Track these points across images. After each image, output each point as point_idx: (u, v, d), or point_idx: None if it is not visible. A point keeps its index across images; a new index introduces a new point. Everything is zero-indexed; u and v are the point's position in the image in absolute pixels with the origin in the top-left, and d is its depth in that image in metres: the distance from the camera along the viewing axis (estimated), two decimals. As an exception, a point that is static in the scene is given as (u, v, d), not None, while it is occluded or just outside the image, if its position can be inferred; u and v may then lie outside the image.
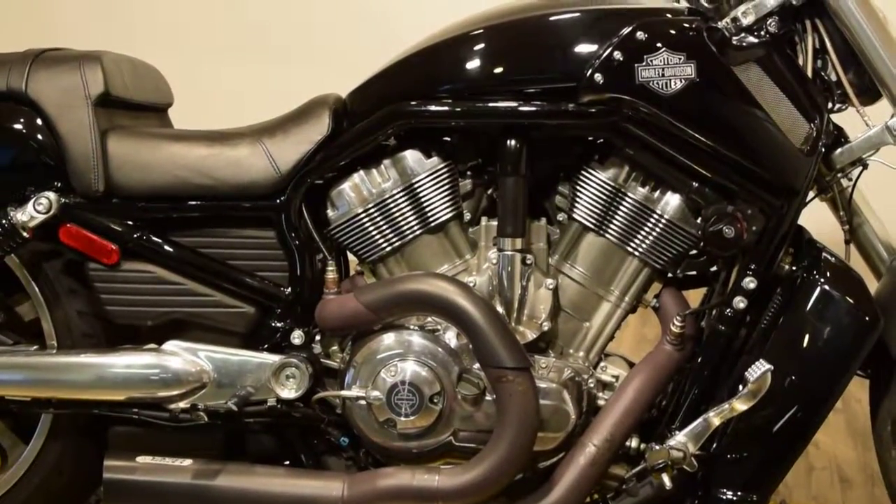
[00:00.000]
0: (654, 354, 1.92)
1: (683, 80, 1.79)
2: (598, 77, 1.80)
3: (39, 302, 2.01)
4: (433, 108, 1.87)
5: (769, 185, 1.83)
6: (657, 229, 1.91)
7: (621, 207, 1.91)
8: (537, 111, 1.83)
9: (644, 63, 1.79)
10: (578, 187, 1.93)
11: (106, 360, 1.93)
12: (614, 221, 1.92)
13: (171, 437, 1.96)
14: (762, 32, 1.84)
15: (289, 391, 1.91)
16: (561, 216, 1.98)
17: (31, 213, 1.90)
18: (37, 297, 2.02)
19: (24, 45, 2.08)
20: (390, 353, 1.88)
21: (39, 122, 1.95)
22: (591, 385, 1.94)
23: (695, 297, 2.06)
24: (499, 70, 1.86)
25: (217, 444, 1.98)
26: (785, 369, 1.80)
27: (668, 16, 1.83)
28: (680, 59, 1.79)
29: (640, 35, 1.80)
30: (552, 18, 1.86)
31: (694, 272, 1.99)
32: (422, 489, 1.79)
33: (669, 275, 1.98)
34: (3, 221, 1.89)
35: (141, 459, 1.88)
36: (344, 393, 1.89)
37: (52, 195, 1.92)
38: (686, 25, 1.81)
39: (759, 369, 1.71)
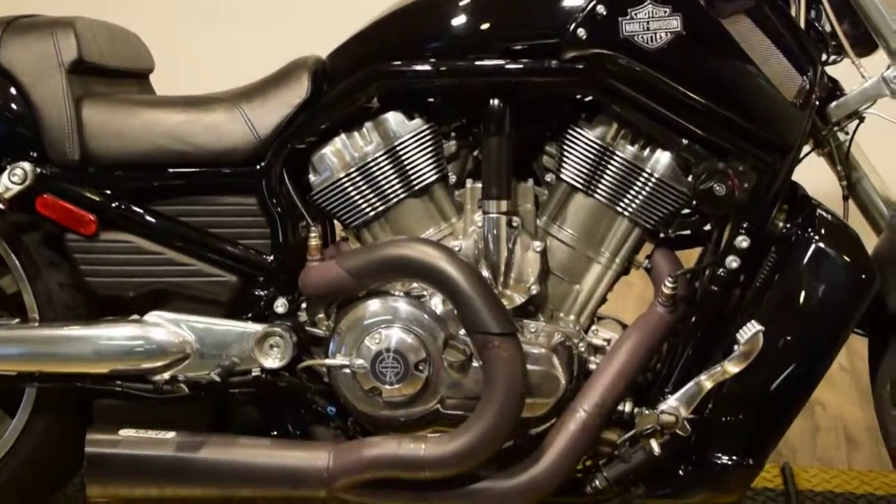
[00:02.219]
0: (646, 317, 1.88)
1: (669, 34, 1.74)
2: (580, 32, 1.75)
3: (20, 275, 1.99)
4: (413, 68, 1.83)
5: (761, 140, 1.79)
6: (647, 188, 1.87)
7: (610, 166, 1.87)
8: (520, 69, 1.79)
9: (628, 16, 1.74)
10: (566, 147, 1.89)
11: (87, 333, 1.91)
12: (603, 181, 1.88)
13: (156, 410, 1.94)
14: None
15: (273, 360, 1.89)
16: (549, 177, 1.94)
17: (5, 183, 1.88)
18: (17, 270, 1.99)
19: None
20: (374, 319, 1.85)
21: (13, 90, 1.93)
22: (583, 349, 1.90)
23: (691, 257, 2.03)
24: (480, 27, 1.82)
25: (202, 416, 1.96)
26: (779, 329, 1.76)
27: None
28: (665, 11, 1.74)
29: None
30: None
31: (687, 232, 1.96)
32: (408, 458, 1.77)
33: (661, 235, 1.94)
34: None
35: (124, 433, 1.86)
36: (328, 361, 1.86)
37: (27, 165, 1.90)
38: (672, -24, 1.78)
39: (750, 330, 1.68)
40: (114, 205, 1.94)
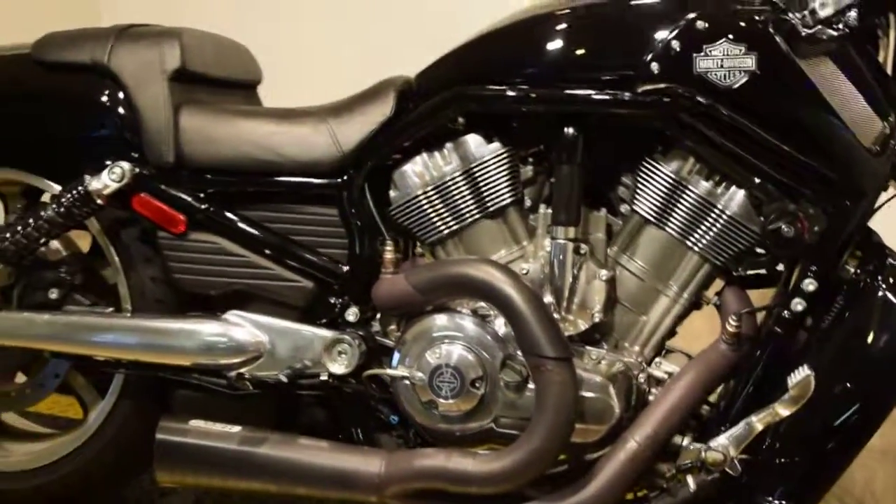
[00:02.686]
0: (707, 353, 1.88)
1: (743, 73, 1.75)
2: (654, 66, 1.77)
3: (117, 267, 2.12)
4: (491, 93, 1.88)
5: (833, 184, 1.77)
6: (718, 225, 1.87)
7: (682, 201, 1.88)
8: (594, 100, 1.81)
9: (703, 53, 1.75)
10: (640, 178, 1.90)
11: (172, 326, 2.02)
12: (675, 215, 1.89)
13: (229, 405, 2.04)
14: (840, 25, 1.78)
15: (339, 366, 1.95)
16: (623, 207, 1.96)
17: (105, 181, 2.00)
18: (115, 263, 2.12)
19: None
20: (437, 334, 1.90)
21: (119, 94, 2.05)
22: (642, 380, 1.92)
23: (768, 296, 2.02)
24: (558, 57, 1.85)
25: (271, 414, 2.05)
26: (839, 376, 1.75)
27: (734, 5, 1.79)
28: (740, 50, 1.75)
29: (700, 24, 1.76)
30: (615, 5, 1.84)
31: (762, 271, 1.96)
32: (456, 472, 1.81)
33: (733, 272, 1.95)
34: (80, 188, 2.00)
35: (194, 423, 1.95)
36: (389, 371, 1.92)
37: (126, 165, 2.02)
38: (750, 16, 1.77)
39: (800, 374, 1.67)
40: (203, 207, 2.04)
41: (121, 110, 2.05)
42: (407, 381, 1.91)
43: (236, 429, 1.95)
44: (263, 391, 1.99)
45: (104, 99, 2.06)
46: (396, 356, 1.93)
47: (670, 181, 1.88)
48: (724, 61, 1.75)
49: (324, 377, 1.97)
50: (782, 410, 1.71)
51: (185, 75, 2.07)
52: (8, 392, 2.25)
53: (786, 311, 1.82)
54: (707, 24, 1.76)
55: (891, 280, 1.74)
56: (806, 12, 1.76)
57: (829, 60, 1.78)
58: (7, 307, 2.15)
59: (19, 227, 2.04)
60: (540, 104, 1.86)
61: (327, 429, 2.04)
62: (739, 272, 1.93)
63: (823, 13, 1.76)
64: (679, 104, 1.78)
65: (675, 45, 1.77)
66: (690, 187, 1.87)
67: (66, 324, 2.08)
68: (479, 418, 1.89)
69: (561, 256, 1.89)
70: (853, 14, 1.76)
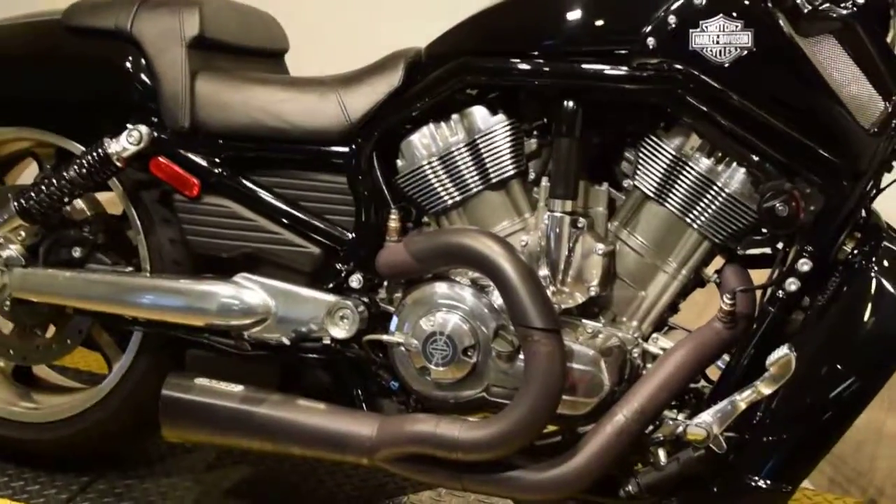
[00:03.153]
0: (702, 330, 1.88)
1: (738, 49, 1.74)
2: (650, 41, 1.77)
3: (137, 228, 2.18)
4: (492, 65, 1.90)
5: (829, 164, 1.75)
6: (717, 202, 1.86)
7: (682, 177, 1.88)
8: (589, 73, 1.83)
9: (699, 29, 1.75)
10: (641, 154, 1.91)
11: (181, 286, 2.08)
12: (675, 191, 1.89)
13: (238, 365, 2.10)
14: (849, 3, 1.76)
15: (340, 331, 2.00)
16: (626, 182, 1.96)
17: (123, 144, 2.06)
18: (135, 224, 2.19)
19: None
20: (433, 302, 1.93)
21: (140, 60, 2.12)
22: (637, 355, 1.93)
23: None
24: (555, 30, 1.87)
25: (277, 376, 2.11)
26: (828, 356, 1.74)
27: None
28: (737, 26, 1.73)
29: None
30: None
31: (764, 250, 1.95)
32: (442, 438, 1.83)
33: (734, 251, 1.94)
34: (99, 151, 2.07)
35: (198, 381, 2.02)
36: (384, 337, 1.96)
37: (143, 129, 2.08)
38: (748, -9, 1.76)
39: (779, 353, 1.67)
40: (216, 171, 2.10)
41: (141, 75, 2.12)
42: (402, 347, 1.95)
43: (238, 388, 2.01)
44: (269, 353, 2.06)
45: (126, 64, 2.12)
46: (394, 322, 1.97)
47: (671, 157, 1.88)
48: (720, 37, 1.74)
49: (326, 341, 2.02)
50: (764, 389, 1.70)
51: (205, 42, 2.12)
52: (36, 346, 2.34)
53: (780, 291, 1.81)
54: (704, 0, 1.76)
55: (884, 262, 1.73)
56: None
57: (832, 38, 1.76)
58: (33, 264, 2.24)
59: (43, 187, 2.12)
60: (537, 77, 1.88)
61: (331, 393, 2.09)
62: (740, 250, 1.93)
63: (832, -11, 1.76)
64: (675, 80, 1.78)
65: (672, 19, 1.76)
66: (691, 164, 1.87)
67: (85, 281, 2.16)
68: (472, 387, 1.92)
69: (557, 229, 1.90)
70: (862, -10, 1.75)
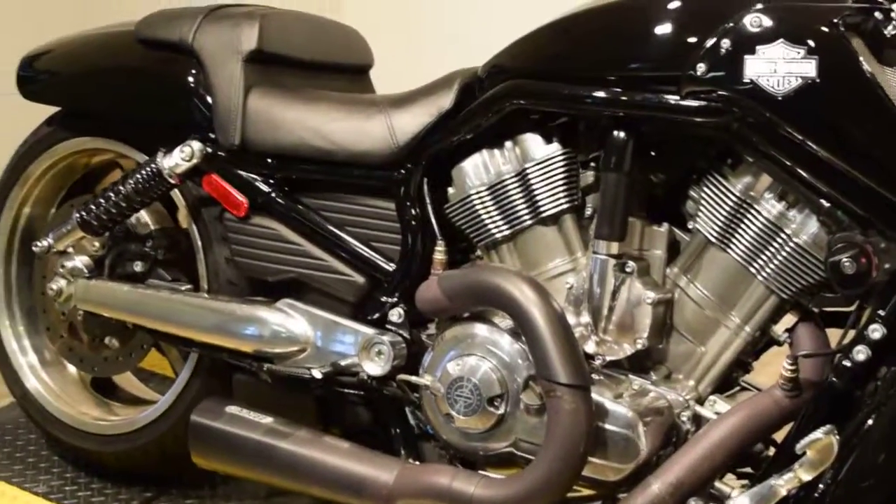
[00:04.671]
0: (759, 397, 1.65)
1: (800, 79, 1.51)
2: (701, 67, 1.56)
3: (197, 245, 2.13)
4: (538, 89, 1.74)
5: (907, 216, 1.51)
6: (784, 252, 1.63)
7: (747, 222, 1.66)
8: (637, 102, 1.63)
9: (756, 55, 1.53)
10: (705, 194, 1.69)
11: (223, 308, 2.02)
12: (739, 237, 1.67)
13: (280, 394, 2.01)
14: None
15: (375, 367, 1.86)
16: (690, 224, 1.75)
17: (176, 159, 2.01)
18: (195, 241, 2.13)
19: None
20: (464, 344, 1.77)
21: (199, 73, 2.06)
22: (685, 419, 1.71)
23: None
24: (602, 53, 1.69)
25: (315, 408, 2.00)
26: (889, 443, 1.48)
27: (801, 2, 1.55)
28: (799, 53, 1.50)
29: (755, 21, 1.53)
30: None
31: (841, 309, 1.69)
32: (458, 494, 1.68)
33: (809, 308, 1.70)
34: (153, 165, 2.02)
35: (229, 408, 1.93)
36: (413, 378, 1.81)
37: (196, 144, 2.01)
38: (818, 13, 1.52)
39: (816, 435, 1.42)
40: (264, 191, 2.01)
41: (199, 90, 2.06)
42: (429, 391, 1.81)
43: (268, 419, 1.91)
44: (308, 386, 1.96)
45: (187, 78, 2.07)
46: (425, 362, 1.83)
47: (735, 199, 1.66)
48: (779, 65, 1.52)
49: (363, 376, 1.90)
50: (803, 475, 1.46)
51: (264, 56, 2.04)
52: (104, 357, 2.33)
53: (846, 360, 1.56)
54: (763, 22, 1.53)
55: (967, 336, 1.46)
56: None
57: (922, 68, 1.51)
58: (98, 275, 2.23)
59: (102, 200, 2.09)
60: (582, 104, 1.69)
61: (370, 432, 1.97)
62: (813, 308, 1.68)
63: (931, 11, 1.51)
64: (729, 112, 1.56)
65: (726, 44, 1.55)
66: (756, 207, 1.64)
67: (141, 296, 2.13)
68: (499, 439, 1.75)
69: (601, 273, 1.71)
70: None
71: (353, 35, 2.27)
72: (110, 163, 2.36)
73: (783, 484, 1.50)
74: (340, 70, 2.22)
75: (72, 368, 2.44)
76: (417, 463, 1.86)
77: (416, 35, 3.74)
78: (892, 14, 1.54)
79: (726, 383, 1.78)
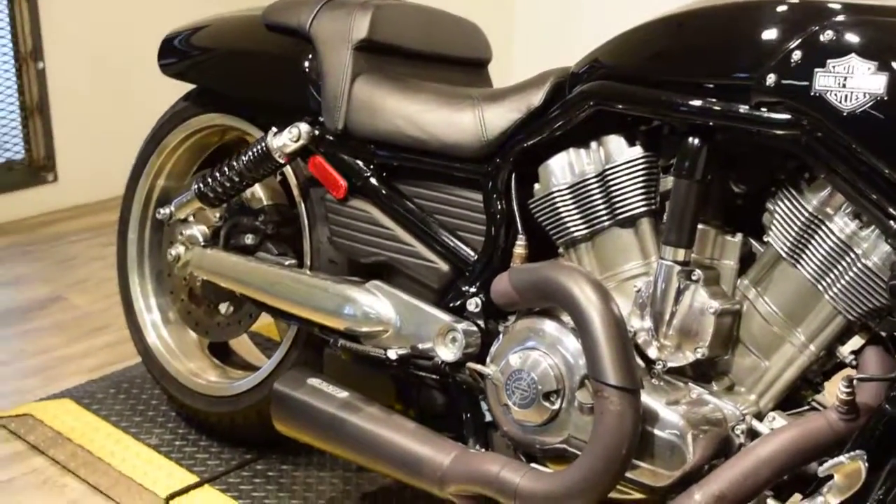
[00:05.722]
0: (813, 417, 1.61)
1: (867, 96, 1.46)
2: (771, 78, 1.54)
3: (304, 223, 2.22)
4: (619, 91, 1.74)
5: (973, 243, 1.44)
6: (851, 272, 1.59)
7: (818, 238, 1.62)
8: (709, 109, 1.62)
9: (825, 68, 1.49)
10: (779, 207, 1.66)
11: (314, 284, 2.10)
12: (809, 253, 1.63)
13: (364, 371, 2.08)
14: None
15: (448, 352, 1.92)
16: (766, 237, 1.72)
17: (284, 139, 2.10)
18: (303, 219, 2.22)
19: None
20: (528, 338, 1.80)
21: (313, 59, 2.14)
22: (739, 432, 1.68)
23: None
24: (679, 58, 1.68)
25: (393, 388, 2.07)
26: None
27: (877, 16, 1.50)
28: (869, 68, 1.46)
29: (827, 34, 1.50)
30: (748, 5, 1.62)
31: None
32: (504, 483, 1.71)
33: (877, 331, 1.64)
34: (263, 144, 2.12)
35: (311, 380, 2.02)
36: (476, 366, 1.85)
37: (304, 126, 2.10)
38: (892, 29, 1.47)
39: (841, 459, 1.39)
40: (363, 175, 2.08)
41: (312, 74, 2.14)
42: (491, 381, 1.84)
43: (344, 393, 1.98)
44: (388, 366, 2.02)
45: (303, 62, 2.15)
46: (492, 351, 1.86)
47: (808, 214, 1.62)
48: (848, 80, 1.48)
49: (437, 361, 1.95)
50: (832, 499, 1.43)
51: (374, 46, 2.11)
52: (217, 323, 2.46)
53: (901, 388, 1.52)
54: (835, 36, 1.49)
55: None
56: None
57: None
58: (214, 245, 2.35)
59: (218, 174, 2.21)
60: (657, 108, 1.69)
61: (444, 417, 2.02)
62: (881, 331, 1.63)
63: None
64: (798, 125, 1.53)
65: (797, 56, 1.52)
66: (828, 225, 1.60)
67: (246, 268, 2.23)
68: (552, 434, 1.77)
69: (666, 279, 1.71)
70: None
71: (471, 29, 2.30)
72: (239, 140, 2.47)
73: (813, 507, 1.48)
74: (457, 63, 2.26)
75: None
76: (482, 450, 1.91)
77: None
78: None
79: (793, 401, 1.75)
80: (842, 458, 1.41)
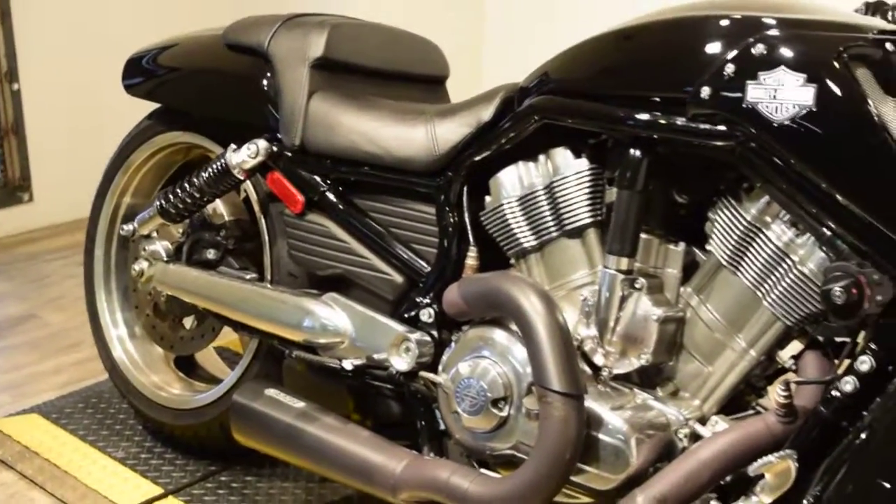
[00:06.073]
0: (752, 420, 1.63)
1: (796, 107, 1.49)
2: (705, 91, 1.57)
3: (264, 238, 2.23)
4: (561, 105, 1.77)
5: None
6: (788, 279, 1.61)
7: (756, 246, 1.64)
8: (648, 122, 1.65)
9: (757, 81, 1.52)
10: (719, 216, 1.69)
11: (274, 298, 2.11)
12: (747, 261, 1.66)
13: (321, 382, 2.09)
14: None
15: (401, 362, 1.93)
16: (708, 245, 1.75)
17: (243, 156, 2.11)
18: (263, 233, 2.23)
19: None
20: (478, 346, 1.81)
21: (271, 77, 2.16)
22: (682, 436, 1.70)
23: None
24: (619, 74, 1.71)
25: (352, 399, 2.08)
26: (859, 473, 1.45)
27: (808, 30, 1.53)
28: (798, 80, 1.49)
29: (759, 48, 1.53)
30: (687, 20, 1.65)
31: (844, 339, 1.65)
32: (454, 488, 1.73)
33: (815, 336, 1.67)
34: (222, 161, 2.14)
35: (269, 391, 2.02)
36: (428, 374, 1.87)
37: (262, 142, 2.12)
38: (822, 42, 1.50)
39: (770, 458, 1.41)
40: (320, 190, 2.09)
41: (270, 92, 2.16)
42: (441, 389, 1.85)
43: (301, 404, 1.99)
44: (344, 376, 2.03)
45: (261, 80, 2.18)
46: (443, 360, 1.88)
47: (746, 223, 1.65)
48: (778, 92, 1.51)
49: (392, 371, 1.96)
50: (765, 498, 1.45)
51: (330, 64, 2.13)
52: (181, 337, 2.47)
53: (835, 390, 1.53)
54: (766, 49, 1.52)
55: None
56: None
57: (932, 100, 1.47)
58: (177, 261, 2.36)
59: (179, 190, 2.22)
60: (599, 122, 1.72)
61: (400, 426, 2.03)
62: (818, 336, 1.65)
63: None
64: (733, 136, 1.56)
65: (730, 69, 1.55)
66: (766, 233, 1.63)
67: (206, 282, 2.25)
68: (501, 441, 1.78)
69: (609, 288, 1.73)
70: None
71: (429, 47, 2.33)
72: (203, 157, 2.48)
73: (748, 507, 1.50)
74: (414, 80, 2.29)
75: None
76: (435, 457, 1.92)
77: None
78: None
79: (737, 405, 1.77)
80: (771, 457, 1.43)
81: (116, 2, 4.20)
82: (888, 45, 1.50)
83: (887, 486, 1.40)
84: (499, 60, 4.47)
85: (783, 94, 1.50)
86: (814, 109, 1.48)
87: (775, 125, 1.51)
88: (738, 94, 1.54)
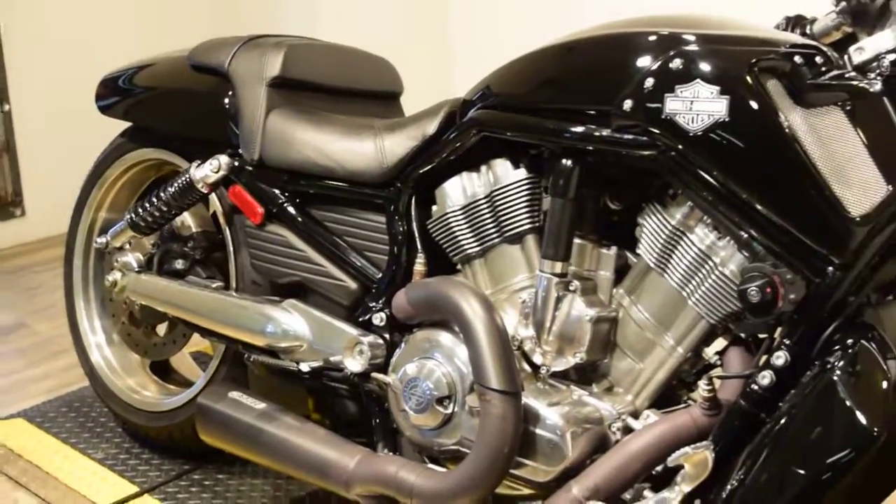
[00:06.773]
0: (678, 414, 1.65)
1: (710, 117, 1.51)
2: (627, 104, 1.59)
3: (229, 249, 2.25)
4: (497, 118, 1.79)
5: (809, 251, 1.49)
6: (711, 279, 1.63)
7: (680, 249, 1.67)
8: (576, 133, 1.67)
9: (674, 93, 1.54)
10: (647, 221, 1.71)
11: (236, 305, 2.12)
12: (673, 263, 1.68)
13: (283, 384, 2.11)
14: (875, 74, 1.49)
15: (355, 364, 1.93)
16: (638, 249, 1.77)
17: (206, 171, 2.13)
18: (228, 244, 2.25)
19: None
20: (423, 348, 1.83)
21: (231, 95, 2.18)
22: (615, 430, 1.72)
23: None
24: (549, 88, 1.74)
25: (312, 400, 2.10)
26: (773, 459, 1.47)
27: (724, 45, 1.55)
28: (712, 92, 1.51)
29: (676, 62, 1.55)
30: (614, 36, 1.67)
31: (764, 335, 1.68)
32: (402, 482, 1.74)
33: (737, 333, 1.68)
34: (187, 176, 2.16)
35: (232, 393, 2.03)
36: (379, 375, 1.88)
37: (224, 158, 2.14)
38: (734, 57, 1.52)
39: (687, 450, 1.42)
40: (278, 202, 2.11)
41: (231, 110, 2.18)
42: (391, 389, 1.87)
43: (261, 405, 2.00)
44: (303, 378, 2.04)
45: (222, 99, 2.20)
46: (392, 362, 1.89)
47: (671, 227, 1.67)
48: (694, 104, 1.53)
49: (347, 373, 1.97)
50: (685, 487, 1.47)
51: (286, 82, 2.15)
52: (154, 343, 2.49)
53: (753, 383, 1.55)
54: (682, 63, 1.55)
55: (851, 366, 1.43)
56: (845, 57, 1.51)
57: (840, 112, 1.49)
58: (148, 271, 2.38)
59: (147, 204, 2.24)
60: (532, 134, 1.74)
61: (357, 425, 2.05)
62: (740, 333, 1.67)
63: (859, 58, 1.50)
64: (654, 146, 1.58)
65: (650, 82, 1.57)
66: (690, 237, 1.65)
67: (175, 291, 2.26)
68: (447, 437, 1.79)
69: (544, 290, 1.74)
70: (888, 60, 1.47)
71: (383, 64, 2.35)
72: (174, 173, 2.49)
73: (674, 496, 1.51)
74: (367, 96, 2.31)
75: (132, 350, 2.61)
76: (387, 453, 1.94)
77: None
78: (816, 58, 1.53)
79: (671, 399, 1.78)
80: (688, 449, 1.45)
81: (104, 23, 4.22)
82: (797, 59, 1.53)
83: (801, 472, 1.43)
84: (467, 75, 4.49)
85: (698, 105, 1.52)
86: (727, 120, 1.51)
87: (692, 135, 1.53)
88: (657, 106, 1.56)
